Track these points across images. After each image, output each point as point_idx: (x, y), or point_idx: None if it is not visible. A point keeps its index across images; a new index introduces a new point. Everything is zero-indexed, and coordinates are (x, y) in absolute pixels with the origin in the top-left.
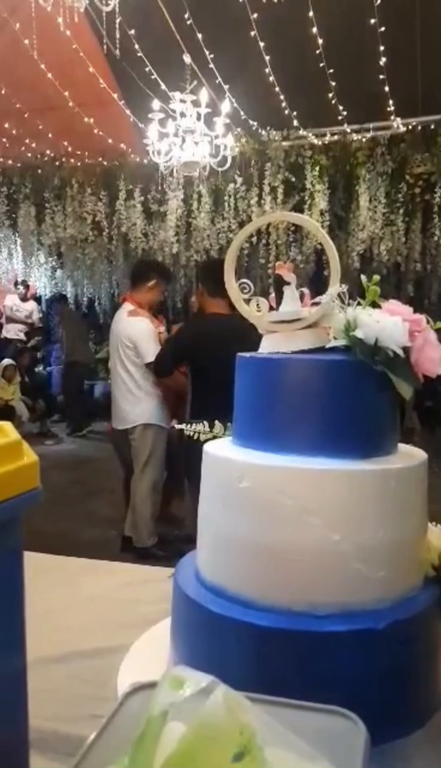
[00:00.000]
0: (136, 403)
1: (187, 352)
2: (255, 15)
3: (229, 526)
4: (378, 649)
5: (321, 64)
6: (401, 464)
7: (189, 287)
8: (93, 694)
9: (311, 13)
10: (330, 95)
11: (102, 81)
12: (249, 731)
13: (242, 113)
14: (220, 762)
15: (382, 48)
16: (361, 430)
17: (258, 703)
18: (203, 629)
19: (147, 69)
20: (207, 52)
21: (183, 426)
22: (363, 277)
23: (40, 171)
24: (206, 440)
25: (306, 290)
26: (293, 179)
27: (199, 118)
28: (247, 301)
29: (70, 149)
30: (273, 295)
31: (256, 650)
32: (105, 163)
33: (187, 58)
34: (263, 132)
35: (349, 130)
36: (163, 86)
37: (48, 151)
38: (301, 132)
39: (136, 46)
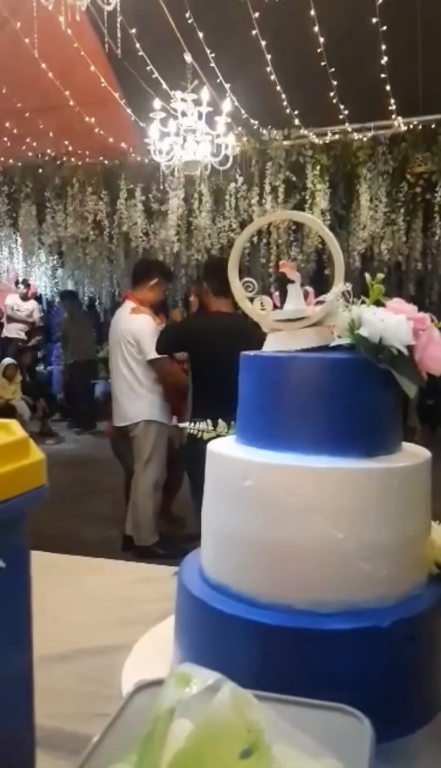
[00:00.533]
0: (138, 399)
1: (188, 344)
2: (256, 14)
3: (232, 525)
4: (382, 647)
5: (322, 63)
6: (405, 463)
7: (190, 286)
8: (97, 692)
9: (312, 12)
10: (331, 94)
11: (103, 80)
12: (257, 729)
13: (243, 112)
14: (227, 759)
15: (383, 47)
16: (365, 428)
17: (264, 701)
18: (207, 627)
19: (148, 68)
20: (208, 51)
21: (185, 424)
22: (367, 276)
23: (41, 170)
24: (209, 439)
25: (310, 288)
26: (294, 178)
27: (200, 117)
28: (251, 300)
29: (71, 148)
30: (277, 293)
31: (261, 648)
32: (106, 162)
33: (188, 57)
34: (264, 131)
35: (350, 129)
36: (165, 85)
37: (49, 151)
38: (302, 131)
39: (137, 45)
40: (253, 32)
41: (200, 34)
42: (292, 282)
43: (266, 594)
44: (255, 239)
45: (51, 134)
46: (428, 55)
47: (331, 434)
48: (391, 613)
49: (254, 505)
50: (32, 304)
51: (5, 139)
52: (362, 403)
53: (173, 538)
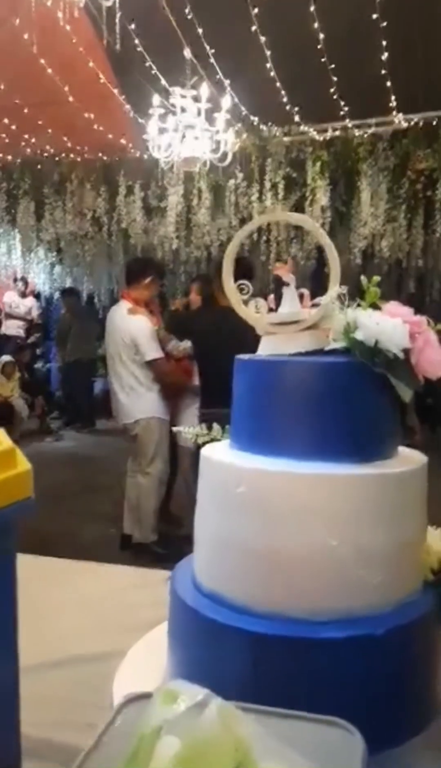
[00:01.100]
0: (137, 398)
1: (196, 332)
2: (256, 10)
3: (226, 532)
4: (377, 655)
5: (322, 60)
6: (401, 468)
7: (189, 283)
8: (89, 700)
9: (312, 9)
10: (331, 90)
11: (102, 76)
12: (244, 746)
13: (243, 109)
14: None
15: (384, 43)
16: (360, 433)
17: (254, 714)
18: (200, 636)
19: (147, 64)
20: (208, 48)
21: (180, 428)
22: (363, 278)
23: (39, 166)
24: (204, 443)
25: (306, 291)
26: (294, 175)
27: (199, 114)
28: (246, 302)
29: (69, 145)
30: (272, 296)
31: (254, 657)
32: (105, 158)
33: (187, 53)
34: (264, 127)
35: (350, 126)
36: (164, 81)
37: (48, 147)
38: (303, 128)
39: (136, 41)
40: (253, 28)
41: (200, 30)
42: (287, 285)
43: (260, 602)
44: (255, 236)
45: (50, 131)
46: (429, 52)
47: (326, 439)
48: (385, 620)
49: (247, 512)
50: (30, 301)
51: (3, 135)
52: (357, 407)
53: (171, 537)
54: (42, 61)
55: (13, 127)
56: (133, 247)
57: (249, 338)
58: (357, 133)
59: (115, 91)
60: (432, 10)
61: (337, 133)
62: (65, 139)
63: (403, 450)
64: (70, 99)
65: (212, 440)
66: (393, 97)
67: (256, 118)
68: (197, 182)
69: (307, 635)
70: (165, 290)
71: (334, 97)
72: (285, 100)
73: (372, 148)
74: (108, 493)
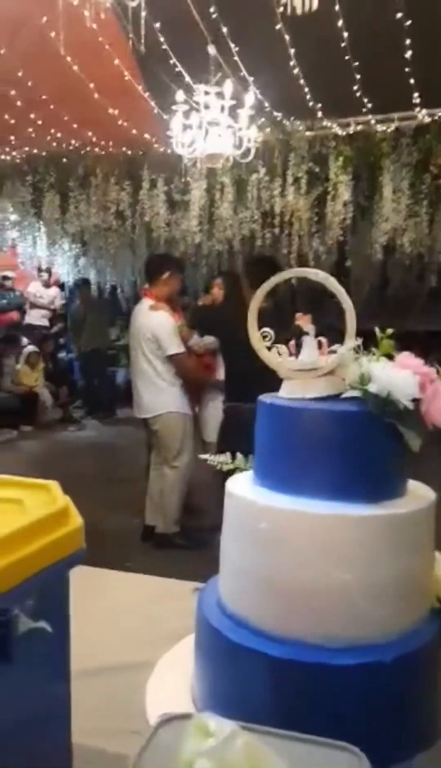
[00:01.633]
0: (159, 393)
1: (222, 325)
2: (281, 9)
3: (247, 562)
4: (385, 681)
5: (346, 57)
6: (409, 508)
7: (212, 277)
8: (121, 709)
9: (337, 7)
10: (355, 87)
11: (127, 73)
12: None
13: (266, 104)
14: None
15: (407, 41)
16: (371, 476)
17: (272, 737)
18: (222, 655)
19: (171, 61)
20: (232, 45)
21: (207, 456)
22: (376, 330)
23: (64, 160)
24: (229, 471)
25: (323, 339)
26: (317, 169)
27: (223, 110)
28: (269, 348)
29: (94, 139)
30: (293, 342)
31: (271, 679)
32: (129, 153)
33: (211, 50)
34: (287, 122)
35: (373, 121)
36: (188, 78)
37: (73, 141)
38: (325, 123)
39: (161, 39)
40: (277, 26)
41: (224, 28)
42: (307, 334)
43: (277, 628)
44: (277, 231)
45: (75, 125)
46: None
47: (340, 481)
48: (393, 648)
49: (267, 546)
50: (54, 291)
51: (30, 129)
52: (369, 453)
53: (194, 529)
54: (68, 58)
55: (40, 121)
56: (156, 240)
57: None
58: (380, 128)
59: (140, 87)
60: None
61: (360, 128)
62: (90, 133)
63: (412, 485)
64: (96, 95)
65: (236, 469)
66: (416, 93)
67: (279, 114)
68: (220, 177)
69: (320, 660)
70: (187, 284)
71: (358, 93)
72: (308, 95)
73: (395, 144)
74: (130, 484)
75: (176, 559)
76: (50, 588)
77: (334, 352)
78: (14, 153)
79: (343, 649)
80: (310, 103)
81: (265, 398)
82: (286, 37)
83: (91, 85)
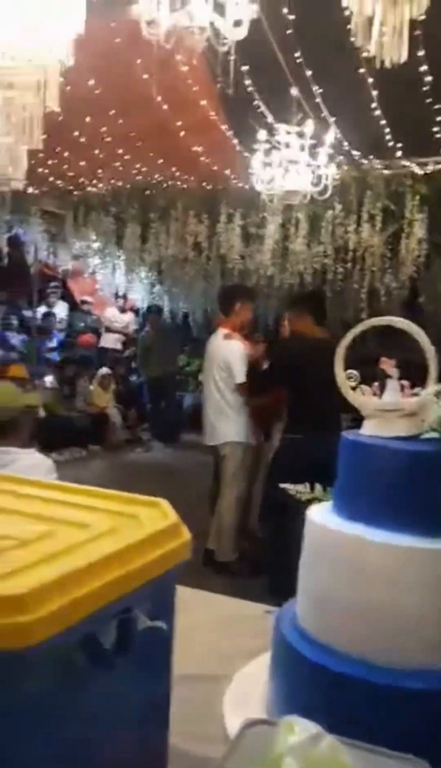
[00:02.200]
0: (226, 421)
1: (295, 362)
2: (364, 53)
3: (324, 586)
4: None
5: (428, 100)
6: None
7: (282, 309)
8: (201, 715)
9: (421, 53)
10: (434, 128)
11: (212, 112)
12: None
13: (346, 143)
14: None
15: None
16: None
17: (348, 746)
18: (299, 673)
19: (255, 102)
20: (314, 87)
21: (287, 485)
22: None
23: (147, 193)
24: (306, 500)
25: (406, 382)
26: (392, 207)
27: (302, 149)
28: (354, 388)
29: (177, 174)
30: (377, 383)
31: (343, 697)
32: (209, 187)
33: (294, 92)
34: (365, 161)
35: None
36: (270, 118)
37: (156, 175)
38: (403, 162)
39: (248, 82)
40: (360, 70)
41: (308, 72)
42: (391, 377)
43: (351, 649)
44: (349, 266)
45: (160, 161)
46: None
47: (417, 516)
48: None
49: (345, 573)
50: (129, 316)
51: (117, 163)
52: None
53: (250, 557)
54: (158, 98)
55: (127, 156)
56: (230, 271)
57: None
58: None
59: (224, 126)
60: None
61: (439, 167)
62: (174, 168)
63: None
64: (182, 133)
65: (314, 498)
66: None
67: (357, 152)
68: (295, 212)
69: (390, 683)
70: (257, 316)
71: (437, 133)
72: (388, 135)
73: None
74: (192, 507)
75: (235, 584)
76: (162, 593)
77: (416, 394)
78: (100, 185)
79: (414, 673)
80: (390, 143)
81: (348, 435)
82: (369, 79)
83: (178, 124)
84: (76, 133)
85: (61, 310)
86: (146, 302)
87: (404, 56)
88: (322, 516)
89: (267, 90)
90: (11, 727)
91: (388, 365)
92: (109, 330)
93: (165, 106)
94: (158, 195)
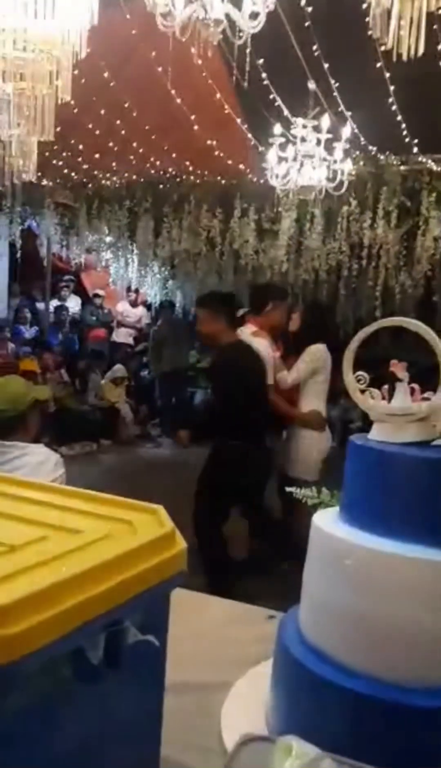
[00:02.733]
0: None
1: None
2: (382, 47)
3: (329, 596)
4: None
5: None
6: None
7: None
8: (198, 726)
9: (439, 47)
10: None
11: (227, 106)
12: None
13: (362, 139)
14: None
15: None
16: None
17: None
18: (301, 685)
19: (271, 96)
20: (332, 81)
21: (292, 489)
22: None
23: (161, 187)
24: (313, 505)
25: (416, 386)
26: (408, 204)
27: (318, 144)
28: (362, 391)
29: (191, 168)
30: (387, 386)
31: (346, 712)
32: (223, 182)
33: (311, 85)
34: (382, 156)
35: None
36: (286, 112)
37: (170, 169)
38: (420, 158)
39: (263, 75)
40: (378, 64)
41: (326, 65)
42: (401, 381)
43: (356, 663)
44: (364, 262)
45: (174, 154)
46: None
47: (428, 526)
48: None
49: (351, 583)
50: (141, 310)
51: (131, 157)
52: None
53: (259, 555)
54: (172, 91)
55: (141, 150)
56: (243, 267)
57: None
58: None
59: (239, 120)
60: None
61: None
62: (188, 162)
63: None
64: (196, 127)
65: (322, 503)
66: None
67: (374, 148)
68: (310, 208)
69: (397, 700)
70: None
71: None
72: (405, 131)
73: None
74: None
75: (242, 583)
76: (155, 606)
77: (428, 399)
78: (114, 178)
79: (422, 690)
80: (407, 139)
81: (357, 440)
82: (386, 74)
83: (193, 117)
84: (90, 126)
85: (73, 303)
86: (158, 297)
87: (422, 49)
88: (327, 523)
89: (283, 83)
90: None
91: (398, 368)
92: (120, 324)
93: (179, 100)
94: (172, 189)
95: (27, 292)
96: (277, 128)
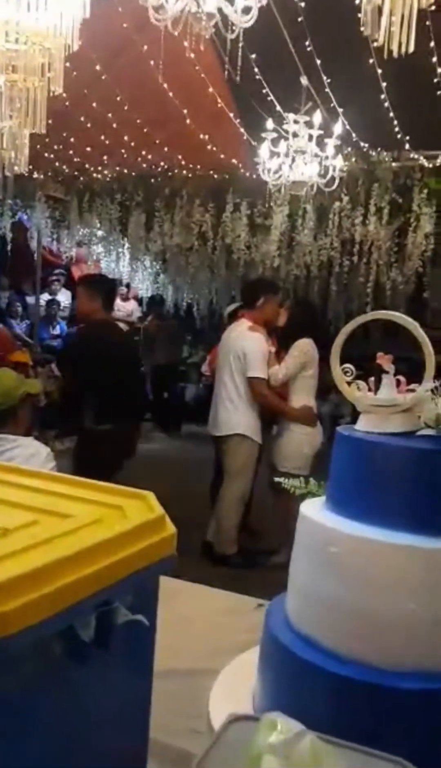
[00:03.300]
0: (235, 412)
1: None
2: (375, 43)
3: (315, 583)
4: None
5: (438, 92)
6: None
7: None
8: (186, 710)
9: (432, 43)
10: None
11: (220, 100)
12: None
13: (354, 135)
14: None
15: None
16: None
17: (333, 745)
18: (287, 669)
19: (264, 91)
20: (324, 77)
21: (281, 479)
22: None
23: (152, 180)
24: (302, 495)
25: (402, 378)
26: (400, 200)
27: (310, 139)
28: (349, 383)
29: (183, 162)
30: (373, 378)
31: (330, 696)
32: (215, 176)
33: (304, 80)
34: (373, 153)
35: None
36: (278, 107)
37: (161, 163)
38: (412, 155)
39: (256, 69)
40: (370, 61)
41: (318, 61)
42: (387, 372)
43: (342, 648)
44: (355, 259)
45: (166, 148)
46: None
47: (411, 514)
48: None
49: (336, 570)
50: (132, 304)
51: (122, 150)
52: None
53: (249, 549)
54: (164, 84)
55: (132, 143)
56: (236, 262)
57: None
58: None
59: (231, 114)
60: None
61: None
62: (180, 156)
63: None
64: (188, 120)
65: (309, 493)
66: None
67: (366, 144)
68: (302, 203)
69: (380, 682)
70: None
71: None
72: (397, 127)
73: None
74: (192, 498)
75: (232, 577)
76: (145, 588)
77: (412, 390)
78: (106, 172)
79: (408, 674)
80: (398, 135)
81: (343, 430)
82: (379, 70)
83: (185, 111)
84: (82, 119)
85: (64, 297)
86: (150, 291)
87: (412, 47)
88: (314, 512)
89: (276, 78)
90: None
91: (384, 360)
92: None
93: (171, 93)
94: (164, 183)
95: (17, 285)
96: (270, 123)
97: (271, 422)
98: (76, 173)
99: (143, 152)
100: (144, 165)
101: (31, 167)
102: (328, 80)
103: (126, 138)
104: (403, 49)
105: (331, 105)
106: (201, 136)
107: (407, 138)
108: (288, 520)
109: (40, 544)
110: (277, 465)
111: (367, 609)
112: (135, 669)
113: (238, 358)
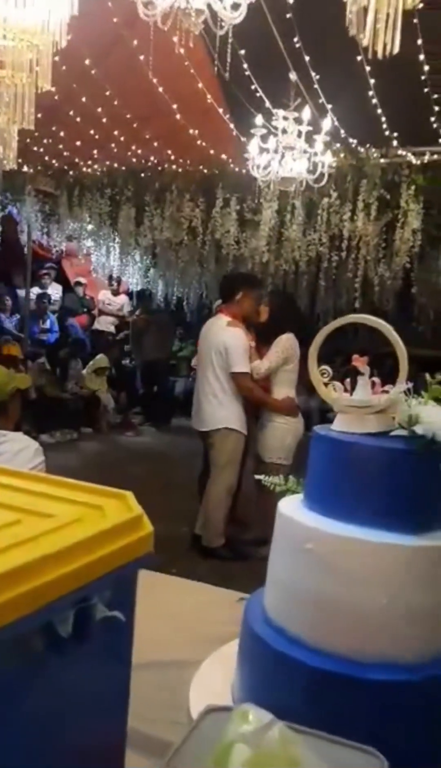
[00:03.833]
0: (220, 407)
1: None
2: (365, 40)
3: (292, 578)
4: (413, 698)
5: (425, 90)
6: None
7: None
8: (166, 701)
9: (420, 41)
10: (432, 118)
11: (209, 96)
12: (296, 763)
13: (342, 131)
14: None
15: None
16: (415, 509)
17: (304, 735)
18: (263, 661)
19: (253, 87)
20: (313, 73)
21: (261, 477)
22: (427, 376)
23: (142, 175)
24: (281, 491)
25: (377, 380)
26: (388, 197)
27: (299, 135)
28: (326, 384)
29: (172, 157)
30: (349, 380)
31: (305, 686)
32: (205, 171)
33: (293, 76)
34: (362, 149)
35: None
36: (268, 103)
37: (152, 158)
38: (400, 151)
39: (245, 65)
40: (358, 58)
41: (306, 58)
42: (362, 374)
43: (317, 640)
44: (343, 254)
45: (155, 143)
46: None
47: (385, 512)
48: (424, 669)
49: (312, 565)
50: (122, 299)
51: (113, 145)
52: (414, 488)
53: (237, 541)
54: (154, 80)
55: (122, 138)
56: (225, 257)
57: None
58: None
59: (221, 110)
60: None
61: (435, 157)
62: (169, 151)
63: None
64: (178, 116)
65: (288, 490)
66: None
67: (354, 141)
68: (291, 199)
69: (354, 674)
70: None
71: (434, 124)
72: (385, 124)
73: None
74: (181, 491)
75: (220, 568)
76: (123, 585)
77: (387, 392)
78: (96, 166)
79: (377, 665)
80: (387, 132)
81: (320, 430)
82: (367, 67)
83: (174, 106)
84: (72, 113)
85: (54, 291)
86: (140, 286)
87: (397, 48)
88: (292, 509)
89: (265, 74)
90: None
91: (359, 362)
92: (102, 313)
93: (161, 89)
94: (154, 178)
95: (7, 279)
96: (259, 119)
97: (254, 415)
98: (65, 167)
99: (133, 147)
100: (134, 160)
101: (20, 161)
102: (317, 77)
103: (116, 133)
104: (388, 50)
105: (320, 101)
106: (190, 131)
107: (395, 135)
108: (271, 514)
109: (22, 542)
110: (263, 456)
111: (341, 603)
112: (113, 663)
113: (219, 354)
